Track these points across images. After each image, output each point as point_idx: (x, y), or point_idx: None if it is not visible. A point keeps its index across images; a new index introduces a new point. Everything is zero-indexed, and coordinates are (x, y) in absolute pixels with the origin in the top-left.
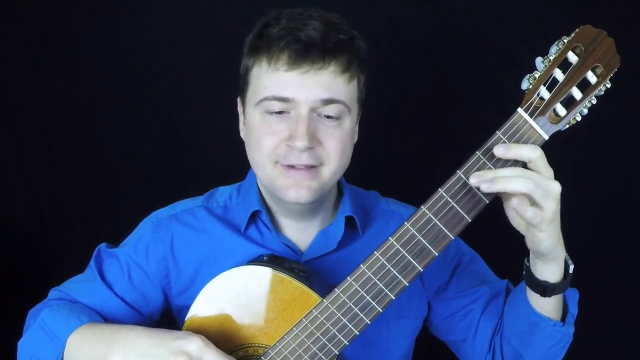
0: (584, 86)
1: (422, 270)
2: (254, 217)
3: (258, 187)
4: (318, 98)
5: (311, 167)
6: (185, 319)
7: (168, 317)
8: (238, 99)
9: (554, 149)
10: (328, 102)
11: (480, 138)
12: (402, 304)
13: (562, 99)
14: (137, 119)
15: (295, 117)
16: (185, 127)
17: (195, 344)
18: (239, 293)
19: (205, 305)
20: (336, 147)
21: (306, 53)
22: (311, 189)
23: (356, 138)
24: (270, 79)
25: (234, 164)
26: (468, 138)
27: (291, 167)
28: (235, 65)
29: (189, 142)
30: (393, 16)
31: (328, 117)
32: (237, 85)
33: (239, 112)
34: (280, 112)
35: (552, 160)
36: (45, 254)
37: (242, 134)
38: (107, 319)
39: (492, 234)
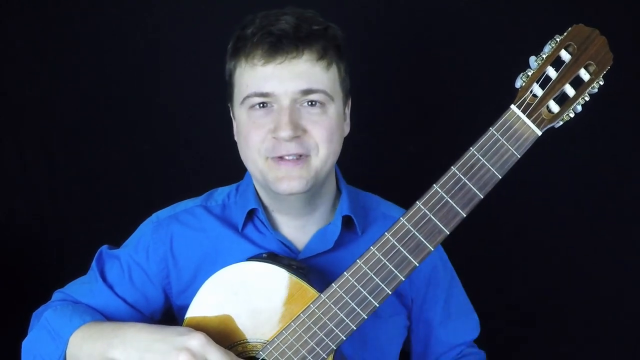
0: (578, 84)
1: (417, 265)
2: (251, 215)
3: (254, 186)
4: (297, 89)
5: (300, 157)
6: (185, 317)
7: (169, 317)
8: (229, 105)
9: (551, 145)
10: (307, 92)
11: (477, 136)
12: (394, 302)
13: (555, 96)
14: (138, 119)
15: (278, 109)
16: (185, 128)
17: (197, 340)
18: (237, 289)
19: (205, 302)
20: (322, 134)
21: (278, 44)
22: (303, 178)
23: (348, 129)
24: (249, 76)
25: (234, 164)
26: (468, 138)
27: (281, 158)
28: None
29: (189, 142)
30: (392, 16)
31: (311, 104)
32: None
33: (232, 118)
34: (263, 106)
35: (548, 157)
36: (45, 254)
37: (235, 138)
38: (109, 319)
39: (488, 230)
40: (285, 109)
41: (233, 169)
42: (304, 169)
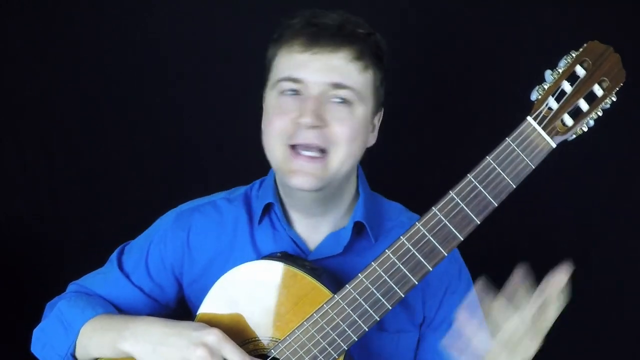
0: (591, 99)
1: (431, 269)
2: (268, 209)
3: (275, 180)
4: (328, 81)
5: (317, 158)
6: (198, 312)
7: (183, 307)
8: (263, 94)
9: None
10: (338, 86)
11: (478, 138)
12: (402, 318)
13: (569, 109)
14: (138, 119)
15: (306, 97)
16: (185, 128)
17: (214, 336)
18: (251, 287)
19: (218, 298)
20: (344, 132)
21: (318, 36)
22: (316, 176)
23: (373, 141)
24: (285, 61)
25: (234, 164)
26: (468, 138)
27: (298, 153)
28: (238, 66)
29: (190, 142)
30: (394, 16)
31: (339, 101)
32: (242, 87)
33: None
34: (292, 92)
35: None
36: (45, 254)
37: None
38: (124, 309)
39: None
40: (312, 98)
41: (233, 170)
42: (319, 168)
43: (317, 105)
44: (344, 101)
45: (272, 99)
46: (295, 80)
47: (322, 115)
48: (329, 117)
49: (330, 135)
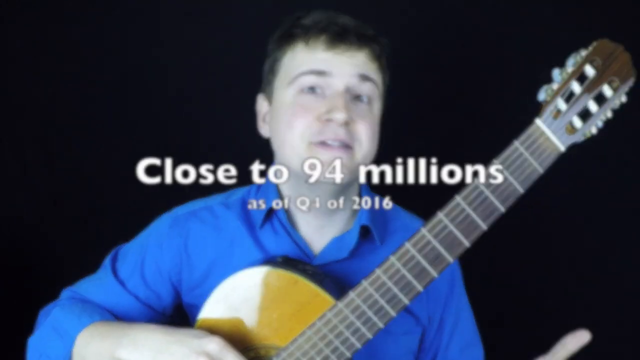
0: (600, 100)
1: (436, 276)
2: (269, 214)
3: (277, 183)
4: (355, 72)
5: (344, 146)
6: (198, 319)
7: (181, 313)
8: (258, 96)
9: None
10: (364, 78)
11: (478, 138)
12: (408, 321)
13: (578, 111)
14: (138, 119)
15: (332, 94)
16: (185, 129)
17: (215, 344)
18: (252, 294)
19: (218, 305)
20: (367, 130)
21: (344, 35)
22: (345, 166)
23: None
24: (305, 57)
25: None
26: (468, 138)
27: (324, 144)
28: (238, 66)
29: (189, 143)
30: (394, 16)
31: (360, 99)
32: (239, 87)
33: (258, 111)
34: (314, 91)
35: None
36: (45, 254)
37: (261, 131)
38: (119, 317)
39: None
40: (341, 93)
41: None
42: (347, 158)
43: (347, 100)
44: (364, 99)
45: (287, 97)
46: (319, 73)
47: (349, 112)
48: (354, 115)
49: (355, 132)
